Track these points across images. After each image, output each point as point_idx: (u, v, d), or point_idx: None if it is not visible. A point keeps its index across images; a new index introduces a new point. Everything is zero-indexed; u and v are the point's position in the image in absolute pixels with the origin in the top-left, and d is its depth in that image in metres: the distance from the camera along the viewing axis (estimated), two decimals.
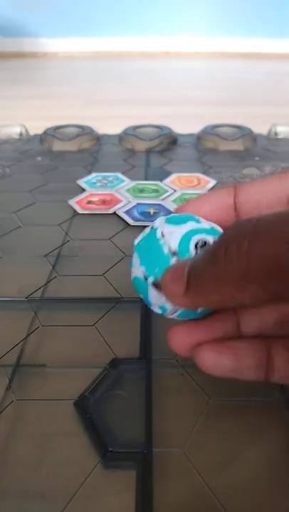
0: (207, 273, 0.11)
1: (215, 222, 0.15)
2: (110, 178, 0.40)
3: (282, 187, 0.15)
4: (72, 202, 0.35)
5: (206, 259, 0.12)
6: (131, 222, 0.32)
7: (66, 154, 0.47)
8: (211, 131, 0.50)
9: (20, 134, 0.52)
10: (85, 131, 0.50)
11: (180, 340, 0.15)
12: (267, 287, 0.10)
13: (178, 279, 0.12)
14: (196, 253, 0.14)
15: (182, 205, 0.16)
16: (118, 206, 0.34)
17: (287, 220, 0.10)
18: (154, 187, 0.38)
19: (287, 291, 0.10)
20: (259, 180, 0.16)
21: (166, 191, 0.37)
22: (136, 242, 0.16)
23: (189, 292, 0.12)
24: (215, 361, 0.14)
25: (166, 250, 0.14)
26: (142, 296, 0.16)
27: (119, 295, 0.24)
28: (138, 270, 0.15)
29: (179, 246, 0.14)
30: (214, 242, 0.12)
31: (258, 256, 0.10)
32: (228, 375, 0.14)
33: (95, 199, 0.36)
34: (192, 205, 0.16)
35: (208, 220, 0.15)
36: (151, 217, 0.32)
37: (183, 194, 0.36)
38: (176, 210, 0.17)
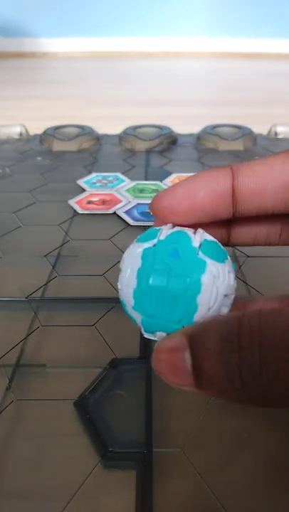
0: (224, 388, 0.10)
1: (210, 211, 0.14)
2: (110, 178, 0.40)
3: (287, 170, 0.13)
4: (72, 202, 0.35)
5: (220, 376, 0.10)
6: (131, 222, 0.32)
7: (66, 154, 0.47)
8: (211, 131, 0.50)
9: (20, 134, 0.52)
10: (85, 131, 0.50)
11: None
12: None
13: (181, 375, 0.11)
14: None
15: (173, 189, 0.14)
16: (118, 206, 0.34)
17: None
18: (154, 187, 0.38)
19: None
20: (259, 162, 0.13)
21: None
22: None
23: (203, 390, 0.10)
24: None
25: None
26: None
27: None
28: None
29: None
30: (221, 354, 0.10)
31: (274, 388, 0.09)
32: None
33: (95, 199, 0.36)
34: (185, 189, 0.13)
35: (202, 207, 0.13)
36: (151, 217, 0.32)
37: None
38: (166, 195, 0.14)
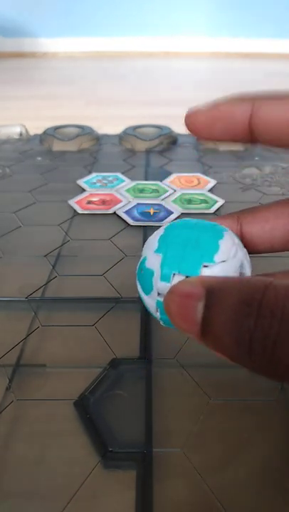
0: (229, 347, 0.10)
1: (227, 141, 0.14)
2: (110, 178, 0.40)
3: None
4: (72, 202, 0.35)
5: (229, 334, 0.09)
6: (131, 222, 0.32)
7: (66, 154, 0.47)
8: None
9: (20, 134, 0.52)
10: (85, 131, 0.50)
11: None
12: None
13: (189, 321, 0.10)
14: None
15: (193, 118, 0.14)
16: (118, 206, 0.34)
17: None
18: (154, 187, 0.38)
19: None
20: (279, 98, 0.13)
21: (166, 191, 0.37)
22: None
23: (205, 344, 0.10)
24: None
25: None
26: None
27: (119, 295, 0.24)
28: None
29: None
30: (236, 314, 0.09)
31: (285, 360, 0.09)
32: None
33: (95, 199, 0.36)
34: (205, 118, 0.14)
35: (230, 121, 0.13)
36: (151, 217, 0.32)
37: (183, 194, 0.36)
38: (188, 123, 0.14)
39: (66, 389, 0.18)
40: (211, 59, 1.57)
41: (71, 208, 0.35)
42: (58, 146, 0.48)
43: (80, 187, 0.38)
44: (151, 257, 0.13)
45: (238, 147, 0.47)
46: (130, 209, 0.34)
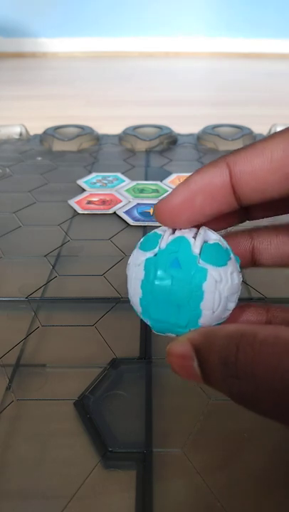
0: (222, 377, 0.11)
1: (211, 213, 0.13)
2: (110, 178, 0.40)
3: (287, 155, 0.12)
4: (72, 202, 0.35)
5: (218, 365, 0.11)
6: (131, 222, 0.32)
7: (66, 154, 0.47)
8: (211, 131, 0.50)
9: (20, 134, 0.52)
10: (85, 131, 0.50)
11: None
12: (277, 410, 0.10)
13: (192, 375, 0.12)
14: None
15: (171, 196, 0.13)
16: (118, 206, 0.34)
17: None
18: (154, 187, 0.38)
19: None
20: (256, 152, 0.12)
21: (166, 191, 0.37)
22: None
23: (207, 382, 0.12)
24: None
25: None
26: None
27: (119, 295, 0.24)
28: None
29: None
30: (223, 346, 0.10)
31: (266, 387, 0.09)
32: None
33: (95, 199, 0.36)
34: (182, 196, 0.13)
35: (202, 212, 0.13)
36: (151, 217, 0.32)
37: None
38: (166, 204, 0.13)
39: (66, 389, 0.18)
40: (211, 59, 1.57)
41: (71, 207, 0.35)
42: (58, 146, 0.48)
43: (80, 187, 0.38)
44: (141, 316, 0.14)
45: (238, 147, 0.47)
46: (130, 209, 0.34)
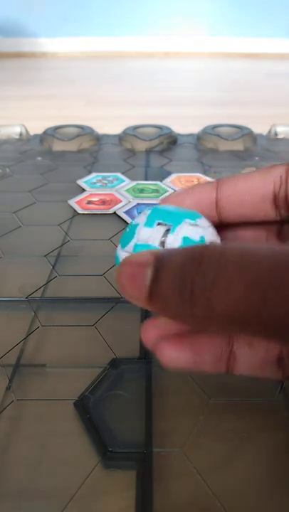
0: (173, 301, 0.11)
1: None
2: (110, 178, 0.40)
3: (267, 184, 0.14)
4: (72, 202, 0.35)
5: (173, 289, 0.11)
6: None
7: (66, 154, 0.47)
8: (211, 131, 0.50)
9: (20, 134, 0.52)
10: (85, 131, 0.50)
11: (149, 334, 0.14)
12: (229, 331, 0.10)
13: (138, 286, 0.11)
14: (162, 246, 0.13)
15: (165, 198, 0.16)
16: (118, 206, 0.34)
17: (248, 262, 0.10)
18: (154, 187, 0.38)
19: (251, 335, 0.10)
20: (242, 176, 0.15)
21: (166, 191, 0.37)
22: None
23: (152, 305, 0.12)
24: (173, 356, 0.14)
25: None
26: None
27: (119, 295, 0.24)
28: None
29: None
30: (181, 268, 0.11)
31: (220, 302, 0.10)
32: (188, 368, 0.14)
33: (95, 199, 0.36)
34: (174, 199, 0.16)
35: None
36: None
37: None
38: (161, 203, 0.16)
39: (66, 389, 0.18)
40: (211, 59, 1.57)
41: (71, 208, 0.35)
42: (58, 146, 0.48)
43: (80, 187, 0.38)
44: (139, 219, 0.14)
45: (238, 147, 0.47)
46: (130, 209, 0.34)
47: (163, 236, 0.13)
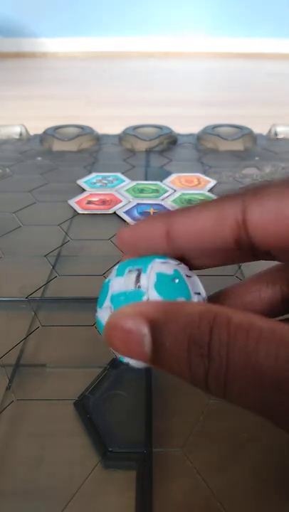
0: (186, 356, 0.10)
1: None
2: (110, 178, 0.40)
3: (222, 228, 0.12)
4: (72, 202, 0.35)
5: (184, 343, 0.10)
6: (131, 222, 0.32)
7: (66, 154, 0.47)
8: (211, 131, 0.50)
9: (20, 134, 0.52)
10: (85, 131, 0.50)
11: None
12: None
13: (137, 352, 0.11)
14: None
15: (121, 238, 0.15)
16: (118, 206, 0.34)
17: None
18: (154, 187, 0.38)
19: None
20: (195, 209, 0.13)
21: (166, 191, 0.37)
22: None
23: (158, 368, 0.11)
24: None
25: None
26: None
27: None
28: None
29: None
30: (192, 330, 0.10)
31: (237, 372, 0.09)
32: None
33: (95, 199, 0.36)
34: (131, 238, 0.14)
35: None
36: None
37: (183, 194, 0.36)
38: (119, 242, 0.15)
39: (66, 389, 0.18)
40: (211, 59, 1.57)
41: (71, 208, 0.35)
42: (58, 146, 0.48)
43: (80, 187, 0.38)
44: (110, 276, 0.14)
45: (238, 147, 0.47)
46: (130, 209, 0.34)
47: (136, 280, 0.13)
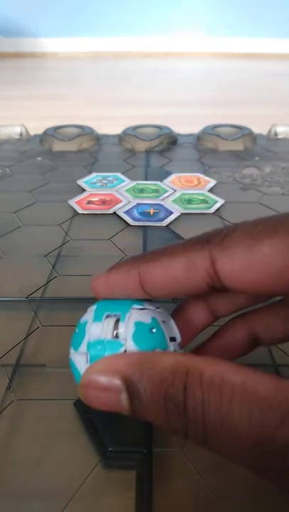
0: (163, 412, 0.10)
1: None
2: (110, 178, 0.40)
3: (192, 267, 0.13)
4: (72, 202, 0.35)
5: (161, 400, 0.10)
6: (131, 222, 0.32)
7: (66, 154, 0.47)
8: (211, 131, 0.50)
9: (21, 134, 0.52)
10: (85, 131, 0.50)
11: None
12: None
13: (116, 408, 0.11)
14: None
15: (95, 283, 0.15)
16: (118, 206, 0.34)
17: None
18: (154, 187, 0.38)
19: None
20: (165, 255, 0.13)
21: (166, 191, 0.37)
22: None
23: (136, 414, 0.11)
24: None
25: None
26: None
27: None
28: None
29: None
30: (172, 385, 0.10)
31: (214, 431, 0.10)
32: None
33: (95, 199, 0.36)
34: (106, 285, 0.14)
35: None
36: (151, 217, 0.32)
37: (183, 194, 0.36)
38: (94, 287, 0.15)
39: (66, 389, 0.18)
40: (211, 59, 1.57)
41: (71, 208, 0.35)
42: (58, 146, 0.48)
43: (80, 187, 0.38)
44: (87, 316, 0.14)
45: (238, 147, 0.47)
46: (130, 209, 0.34)
47: (114, 328, 0.13)
